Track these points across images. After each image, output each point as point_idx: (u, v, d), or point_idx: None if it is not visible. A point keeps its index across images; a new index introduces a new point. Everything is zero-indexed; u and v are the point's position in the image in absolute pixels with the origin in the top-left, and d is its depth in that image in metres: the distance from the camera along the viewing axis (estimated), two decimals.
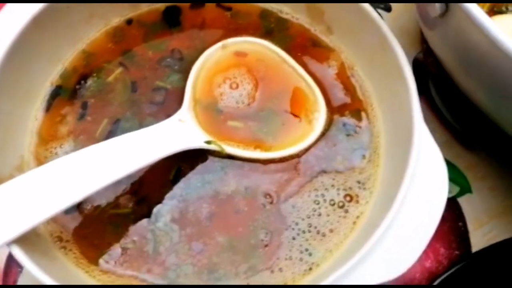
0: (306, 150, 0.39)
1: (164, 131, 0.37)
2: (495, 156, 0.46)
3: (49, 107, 0.39)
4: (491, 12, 0.46)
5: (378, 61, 0.40)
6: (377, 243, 0.31)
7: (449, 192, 0.43)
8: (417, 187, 0.33)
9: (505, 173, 0.45)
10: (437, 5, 0.35)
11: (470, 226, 0.43)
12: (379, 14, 0.53)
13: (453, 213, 0.43)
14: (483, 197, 0.44)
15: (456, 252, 0.42)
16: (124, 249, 0.35)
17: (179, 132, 0.37)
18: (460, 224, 0.43)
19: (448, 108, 0.48)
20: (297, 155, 0.39)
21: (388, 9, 0.54)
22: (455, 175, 0.45)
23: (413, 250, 0.32)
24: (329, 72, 0.43)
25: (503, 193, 0.44)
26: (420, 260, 0.40)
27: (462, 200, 0.44)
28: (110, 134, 0.38)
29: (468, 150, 0.46)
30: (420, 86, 0.50)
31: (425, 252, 0.40)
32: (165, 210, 0.36)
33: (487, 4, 0.47)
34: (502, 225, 0.43)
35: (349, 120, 0.41)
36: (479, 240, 0.42)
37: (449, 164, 0.46)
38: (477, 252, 0.41)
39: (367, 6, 0.39)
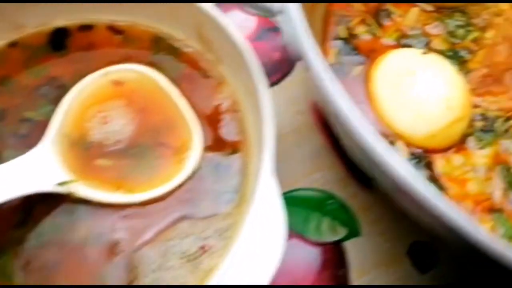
0: (172, 192, 0.35)
1: (15, 170, 0.33)
2: (392, 197, 0.41)
3: None
4: (398, 45, 0.41)
5: (256, 99, 0.35)
6: None
7: (336, 234, 0.39)
8: (254, 239, 0.29)
9: (399, 217, 0.41)
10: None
11: (354, 274, 0.39)
12: None
13: (335, 259, 0.39)
14: (372, 242, 0.40)
15: None
16: None
17: (32, 171, 0.33)
18: (342, 271, 0.39)
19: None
20: (161, 198, 0.35)
21: None
22: (345, 216, 0.41)
23: None
24: (214, 105, 0.39)
25: (393, 239, 0.40)
26: None
27: (349, 244, 0.40)
28: None
29: (365, 189, 0.42)
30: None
31: None
32: (10, 256, 0.32)
33: (395, 34, 0.42)
34: (386, 275, 0.39)
35: (223, 159, 0.36)
36: None
37: (340, 204, 0.41)
38: None
39: (241, 39, 0.35)
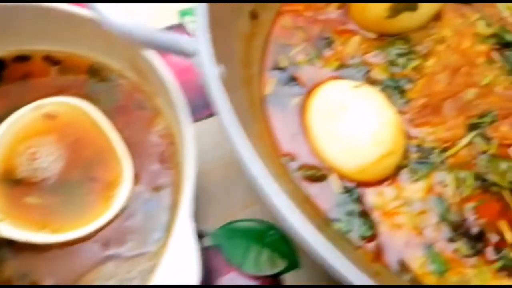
0: (99, 231, 0.34)
1: None
2: None
3: None
4: (337, 75, 0.41)
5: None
6: None
7: (275, 267, 0.39)
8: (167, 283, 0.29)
9: None
10: None
11: None
12: None
13: None
14: (311, 274, 0.39)
15: None
16: None
17: None
18: None
19: None
20: (87, 237, 0.34)
21: None
22: (285, 247, 0.40)
23: None
24: (150, 138, 0.38)
25: None
26: None
27: (288, 277, 0.39)
28: None
29: None
30: None
31: None
32: None
33: (335, 63, 0.41)
34: None
35: (154, 196, 0.36)
36: None
37: (281, 235, 0.41)
38: None
39: (166, 74, 0.34)
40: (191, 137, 0.31)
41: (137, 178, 0.36)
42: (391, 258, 0.34)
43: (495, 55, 0.42)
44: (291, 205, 0.24)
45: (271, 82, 0.40)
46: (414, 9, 0.41)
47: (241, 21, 0.39)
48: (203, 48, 0.27)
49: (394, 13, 0.41)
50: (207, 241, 0.40)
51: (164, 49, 0.28)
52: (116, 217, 0.35)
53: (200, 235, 0.40)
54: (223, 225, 0.41)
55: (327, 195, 0.36)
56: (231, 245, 0.40)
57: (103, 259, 0.33)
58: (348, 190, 0.36)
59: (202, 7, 0.29)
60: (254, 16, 0.41)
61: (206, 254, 0.40)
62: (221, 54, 0.32)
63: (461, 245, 0.35)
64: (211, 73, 0.26)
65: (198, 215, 0.41)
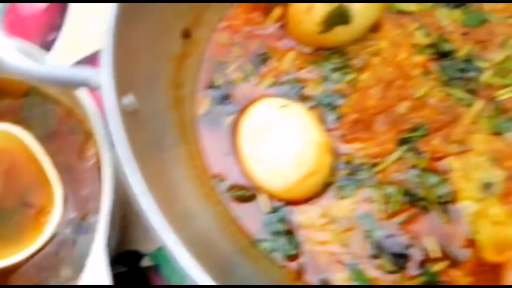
0: (30, 258, 0.36)
1: None
2: None
3: None
4: (270, 93, 0.41)
5: None
6: None
7: None
8: None
9: None
10: None
11: None
12: None
13: None
14: None
15: None
16: None
17: None
18: None
19: None
20: (19, 265, 0.35)
21: None
22: None
23: None
24: (81, 163, 0.39)
25: None
26: None
27: None
28: None
29: None
30: None
31: None
32: None
33: (271, 80, 0.42)
34: None
35: (83, 222, 0.37)
36: None
37: None
38: None
39: (87, 100, 0.35)
40: (107, 165, 0.32)
41: (68, 204, 0.37)
42: (313, 276, 0.35)
43: (432, 66, 0.43)
44: (179, 243, 0.25)
45: (204, 102, 0.41)
46: (346, 22, 0.41)
47: (169, 40, 0.40)
48: (104, 82, 0.28)
49: (326, 28, 0.41)
50: (147, 261, 0.41)
51: (68, 85, 0.29)
52: (47, 243, 0.36)
53: (140, 256, 0.42)
54: (162, 245, 0.42)
55: (256, 215, 0.37)
56: (170, 265, 0.41)
57: (37, 283, 0.34)
58: (275, 210, 0.37)
59: (109, 34, 0.29)
60: (186, 35, 0.41)
61: (146, 274, 0.41)
62: (139, 80, 0.33)
63: (385, 262, 0.36)
64: (111, 107, 0.27)
65: (137, 235, 0.42)
